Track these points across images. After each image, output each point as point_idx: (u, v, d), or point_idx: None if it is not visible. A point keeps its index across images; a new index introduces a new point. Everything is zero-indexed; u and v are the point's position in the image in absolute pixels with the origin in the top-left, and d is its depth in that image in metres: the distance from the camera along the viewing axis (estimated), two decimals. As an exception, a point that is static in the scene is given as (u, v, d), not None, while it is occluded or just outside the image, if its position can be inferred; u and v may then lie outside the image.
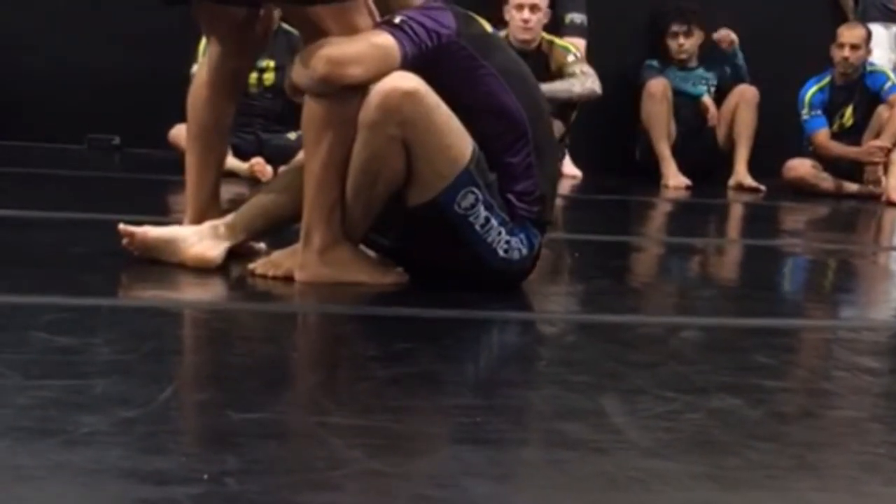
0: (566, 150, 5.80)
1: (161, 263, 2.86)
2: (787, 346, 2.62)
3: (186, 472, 1.45)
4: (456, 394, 1.96)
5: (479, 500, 1.46)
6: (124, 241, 2.89)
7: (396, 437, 1.68)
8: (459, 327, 2.53)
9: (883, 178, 6.27)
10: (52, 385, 1.79)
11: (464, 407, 1.87)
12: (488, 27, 2.97)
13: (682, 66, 6.48)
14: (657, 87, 6.32)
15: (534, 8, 5.51)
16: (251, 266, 2.87)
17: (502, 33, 5.56)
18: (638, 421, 1.82)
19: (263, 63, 5.18)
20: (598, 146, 6.36)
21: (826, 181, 6.32)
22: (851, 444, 1.83)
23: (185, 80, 5.26)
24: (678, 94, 6.41)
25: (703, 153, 6.44)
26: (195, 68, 5.24)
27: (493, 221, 2.79)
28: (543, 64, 5.54)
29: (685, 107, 6.45)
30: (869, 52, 6.39)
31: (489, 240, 2.79)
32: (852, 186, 6.33)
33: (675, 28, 6.45)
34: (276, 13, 3.19)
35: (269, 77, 5.27)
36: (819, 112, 6.38)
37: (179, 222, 3.05)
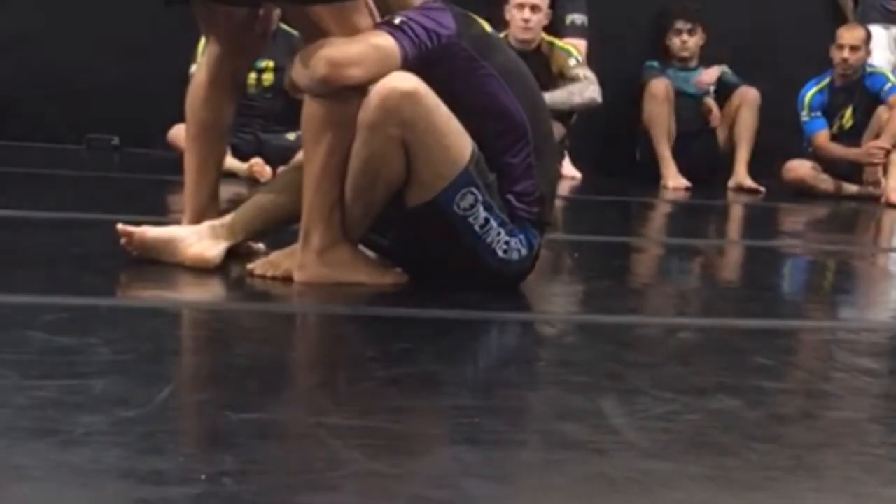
0: (566, 152, 5.80)
1: (160, 263, 2.86)
2: (786, 348, 2.61)
3: (185, 473, 1.45)
4: (455, 394, 1.96)
5: (478, 500, 1.46)
6: (123, 241, 2.89)
7: (395, 438, 1.68)
8: (458, 328, 2.52)
9: (882, 180, 6.28)
10: (51, 385, 1.79)
11: (462, 408, 1.86)
12: (488, 28, 2.96)
13: (684, 65, 6.49)
14: (659, 88, 6.32)
15: (534, 8, 5.51)
16: (250, 266, 2.87)
17: (502, 34, 5.59)
18: (636, 422, 1.82)
19: (263, 63, 5.18)
20: (598, 147, 6.37)
21: (826, 182, 6.32)
22: (850, 446, 1.83)
23: (184, 80, 5.29)
24: (679, 94, 6.41)
25: (704, 154, 6.45)
26: (194, 68, 5.28)
27: (493, 222, 2.78)
28: (543, 65, 5.53)
29: (685, 108, 6.46)
30: (868, 53, 6.39)
31: (488, 240, 2.79)
32: (852, 188, 6.33)
33: (679, 25, 6.45)
34: (276, 13, 3.18)
35: (268, 77, 5.26)
36: (818, 113, 6.38)
37: (178, 222, 3.05)
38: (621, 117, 6.34)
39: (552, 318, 2.74)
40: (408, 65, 2.70)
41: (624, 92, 6.35)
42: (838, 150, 6.34)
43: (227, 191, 3.24)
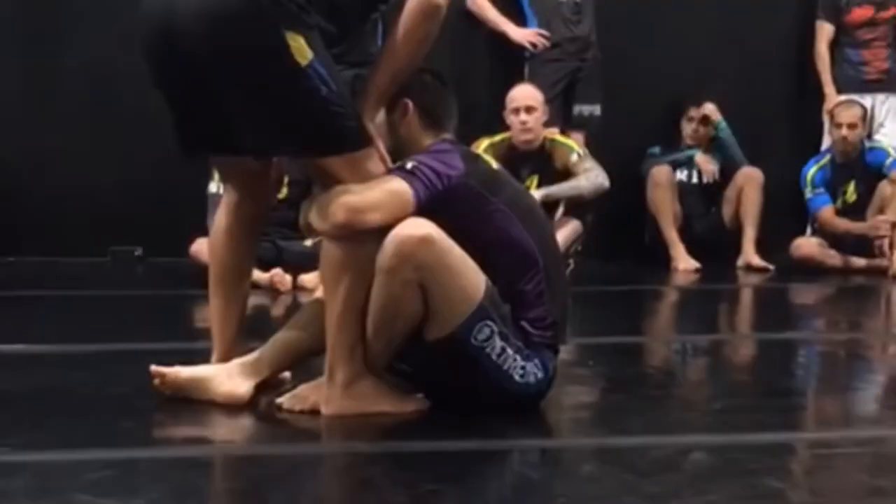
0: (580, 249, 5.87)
1: (192, 401, 2.99)
2: (797, 466, 2.72)
3: None
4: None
5: None
6: (156, 381, 3.02)
7: None
8: (481, 461, 2.64)
9: (887, 252, 6.37)
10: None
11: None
12: (494, 164, 3.11)
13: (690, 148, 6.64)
14: (661, 175, 6.48)
15: (529, 109, 5.67)
16: (279, 401, 3.00)
17: (505, 136, 5.74)
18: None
19: (277, 178, 5.34)
20: (607, 232, 6.49)
21: (833, 258, 6.43)
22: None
23: (203, 195, 5.50)
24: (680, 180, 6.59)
25: (711, 233, 6.58)
26: (211, 186, 5.45)
27: (509, 350, 2.91)
28: (547, 162, 5.69)
29: (689, 192, 6.60)
30: (866, 129, 6.53)
31: (505, 367, 2.92)
32: (860, 262, 6.43)
33: (693, 113, 6.61)
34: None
35: (283, 191, 5.41)
36: (822, 190, 6.51)
37: (207, 348, 3.17)
38: (629, 203, 6.48)
39: (570, 445, 2.84)
40: (421, 207, 2.85)
41: (630, 177, 6.50)
42: (844, 224, 6.45)
43: (249, 302, 3.36)
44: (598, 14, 6.40)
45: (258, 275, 5.14)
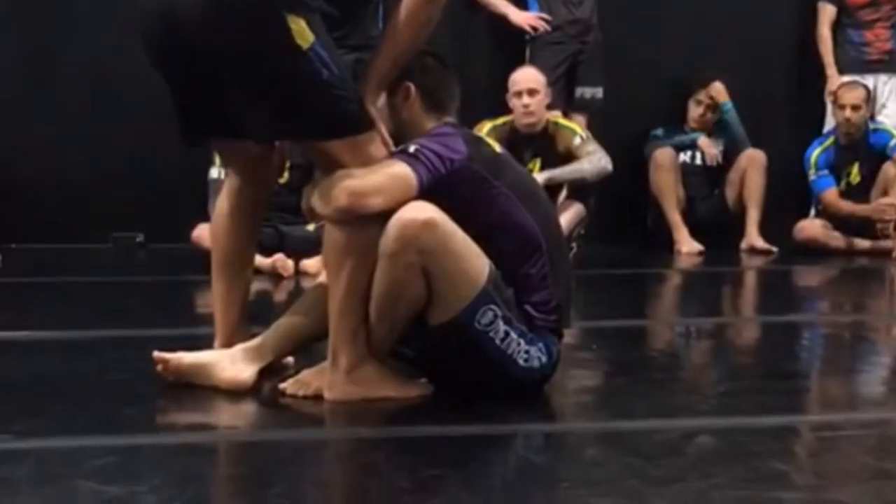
0: (582, 233, 5.85)
1: (195, 387, 2.98)
2: (801, 449, 2.72)
3: None
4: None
5: None
6: (159, 367, 3.02)
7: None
8: (484, 445, 2.63)
9: (891, 234, 6.37)
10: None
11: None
12: (497, 148, 3.10)
13: (695, 130, 6.61)
14: (663, 158, 6.47)
15: (532, 92, 5.65)
16: (282, 386, 2.99)
17: (507, 119, 5.73)
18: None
19: (279, 162, 5.33)
20: (610, 215, 6.47)
21: (837, 240, 6.42)
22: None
23: (204, 181, 5.49)
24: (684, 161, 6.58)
25: (714, 216, 6.57)
26: (213, 171, 5.44)
27: (513, 334, 2.90)
28: (550, 145, 5.67)
29: (692, 173, 6.59)
30: (869, 110, 6.51)
31: (509, 351, 2.91)
32: (863, 243, 6.42)
33: (701, 96, 6.59)
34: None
35: (284, 176, 5.40)
36: (826, 172, 6.49)
37: (210, 336, 3.17)
38: (632, 186, 6.46)
39: (574, 429, 2.84)
40: (424, 191, 2.84)
41: (633, 160, 6.49)
42: (848, 206, 6.44)
43: (252, 287, 3.35)
44: (601, -4, 6.38)
45: (260, 260, 5.13)
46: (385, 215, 2.82)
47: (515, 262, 2.95)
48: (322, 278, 3.10)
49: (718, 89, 6.59)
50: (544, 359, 2.97)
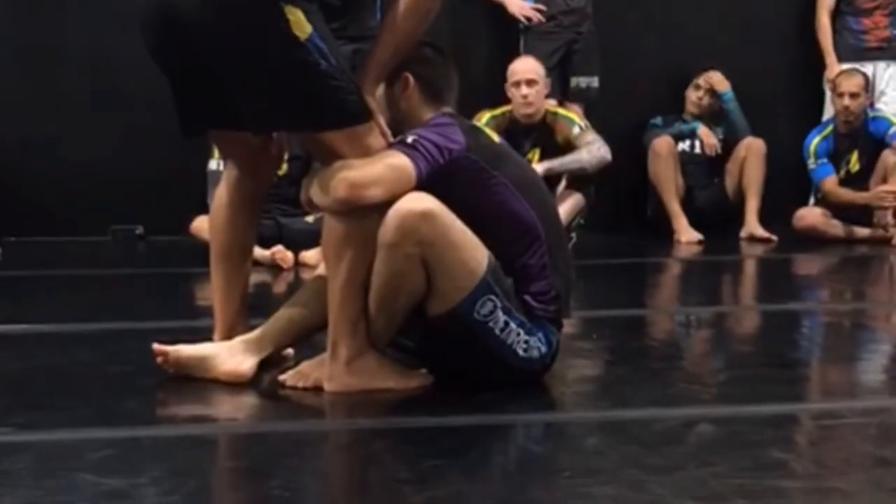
0: (582, 223, 5.84)
1: (195, 379, 2.98)
2: (801, 437, 2.72)
3: None
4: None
5: None
6: (159, 359, 3.02)
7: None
8: (484, 435, 2.64)
9: (892, 222, 6.36)
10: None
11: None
12: (496, 138, 3.09)
13: (694, 118, 6.60)
14: (662, 146, 6.46)
15: (530, 83, 5.63)
16: (282, 378, 2.99)
17: (506, 109, 5.72)
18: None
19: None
20: (609, 205, 6.47)
21: (836, 228, 6.41)
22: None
23: (203, 173, 5.49)
24: (682, 150, 6.57)
25: (713, 205, 6.56)
26: (212, 163, 5.44)
27: (512, 324, 2.90)
28: (549, 136, 5.66)
29: (691, 161, 6.58)
30: (868, 98, 6.50)
31: (509, 341, 2.91)
32: (863, 231, 6.41)
33: (700, 81, 6.59)
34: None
35: (283, 167, 5.39)
36: (825, 160, 6.48)
37: (209, 328, 3.17)
38: (632, 175, 6.45)
39: (574, 419, 2.84)
40: (422, 181, 2.84)
41: (633, 150, 6.48)
42: (847, 194, 6.42)
43: (251, 279, 3.35)
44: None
45: (260, 252, 5.13)
46: (384, 206, 2.82)
47: (514, 252, 2.95)
48: (321, 270, 3.10)
49: (718, 78, 6.59)
50: (544, 349, 2.97)
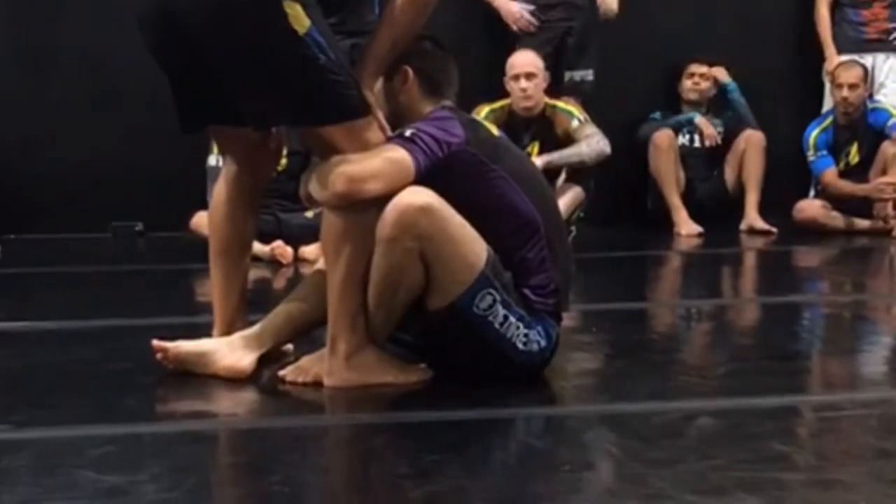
0: (582, 216, 5.83)
1: (195, 375, 2.98)
2: (802, 429, 2.72)
3: None
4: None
5: None
6: (158, 356, 3.02)
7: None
8: (485, 430, 2.63)
9: (892, 213, 6.36)
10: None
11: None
12: (495, 131, 3.09)
13: (694, 109, 6.60)
14: (663, 140, 6.45)
15: (529, 76, 5.63)
16: (281, 373, 2.99)
17: (505, 102, 5.71)
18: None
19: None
20: (609, 198, 6.47)
21: (836, 220, 6.41)
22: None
23: (202, 169, 5.48)
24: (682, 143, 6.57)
25: (713, 198, 6.56)
26: (211, 159, 5.43)
27: (512, 318, 2.90)
28: (548, 129, 5.65)
29: (692, 154, 6.58)
30: (867, 89, 6.50)
31: (508, 335, 2.90)
32: (863, 223, 6.41)
33: (693, 69, 6.58)
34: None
35: (282, 163, 5.39)
36: (825, 152, 6.48)
37: (209, 324, 3.16)
38: (632, 168, 6.45)
39: (574, 412, 2.84)
40: (421, 175, 2.83)
41: (632, 143, 6.47)
42: (847, 186, 6.42)
43: (251, 274, 3.36)
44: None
45: (259, 247, 5.13)
46: (382, 201, 2.81)
47: (514, 245, 2.94)
48: (321, 265, 3.10)
49: (719, 71, 6.58)
50: (543, 342, 2.97)
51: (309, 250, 5.11)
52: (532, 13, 6.18)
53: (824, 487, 2.25)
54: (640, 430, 2.59)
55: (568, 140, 5.60)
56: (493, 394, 2.83)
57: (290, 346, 3.19)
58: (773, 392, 2.95)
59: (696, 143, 6.60)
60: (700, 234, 6.25)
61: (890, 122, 6.41)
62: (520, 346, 2.92)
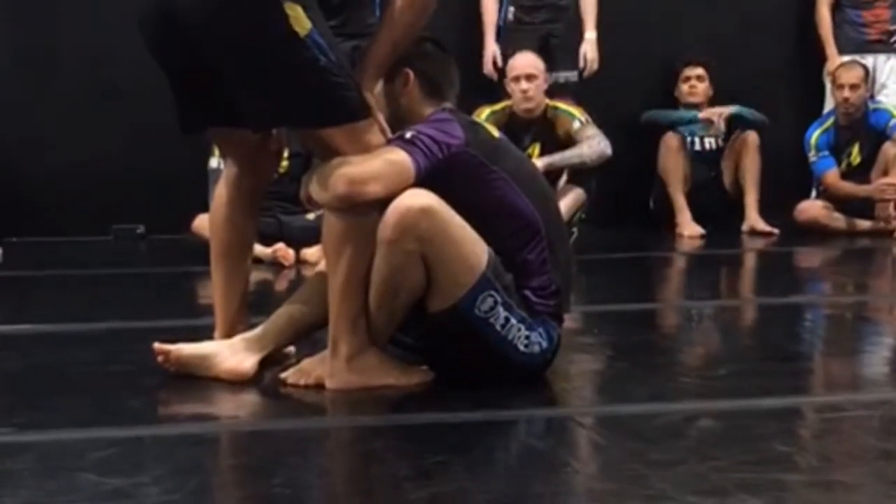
0: (583, 217, 5.83)
1: (196, 378, 2.98)
2: (804, 430, 2.71)
3: None
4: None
5: None
6: (160, 359, 3.02)
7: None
8: (486, 432, 2.63)
9: (894, 214, 6.36)
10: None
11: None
12: (496, 133, 3.09)
13: (694, 110, 6.60)
14: (673, 140, 6.47)
15: (530, 77, 5.63)
16: (283, 375, 2.99)
17: (507, 104, 5.71)
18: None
19: (278, 151, 5.32)
20: (611, 197, 6.46)
21: (838, 221, 6.41)
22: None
23: (203, 171, 5.49)
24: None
25: (713, 201, 6.55)
26: (212, 161, 5.44)
27: (513, 319, 2.90)
28: (550, 130, 5.65)
29: (692, 157, 6.58)
30: (868, 90, 6.50)
31: (510, 337, 2.90)
32: (864, 224, 6.41)
33: (688, 72, 6.59)
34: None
35: (283, 165, 5.40)
36: (826, 153, 6.48)
37: (210, 326, 3.17)
38: (631, 169, 6.44)
39: (575, 413, 2.83)
40: (421, 177, 2.83)
41: (633, 143, 6.47)
42: (849, 187, 6.42)
43: (253, 277, 3.36)
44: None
45: (261, 249, 5.14)
46: (383, 203, 2.82)
47: (514, 247, 2.94)
48: (322, 267, 3.10)
49: (722, 112, 6.54)
50: (545, 344, 2.97)
51: (310, 252, 5.12)
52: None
53: (826, 488, 2.25)
54: (642, 432, 2.59)
55: (569, 141, 5.60)
56: (495, 395, 2.83)
57: (291, 349, 3.19)
58: (775, 393, 2.95)
59: (697, 147, 6.60)
60: (702, 236, 6.25)
61: (891, 123, 6.41)
62: (521, 347, 2.92)
